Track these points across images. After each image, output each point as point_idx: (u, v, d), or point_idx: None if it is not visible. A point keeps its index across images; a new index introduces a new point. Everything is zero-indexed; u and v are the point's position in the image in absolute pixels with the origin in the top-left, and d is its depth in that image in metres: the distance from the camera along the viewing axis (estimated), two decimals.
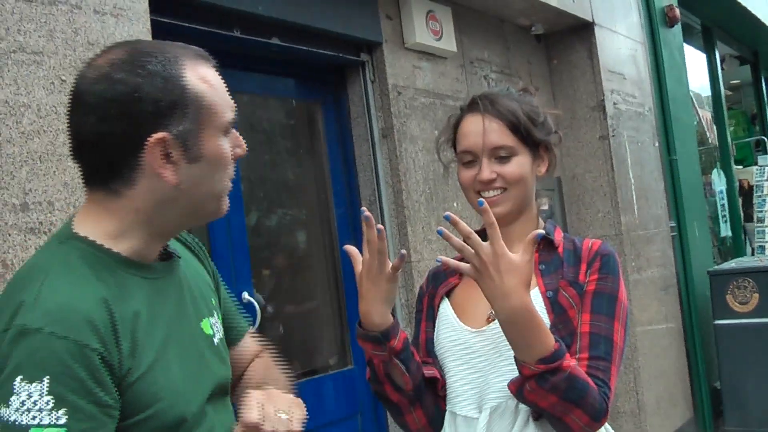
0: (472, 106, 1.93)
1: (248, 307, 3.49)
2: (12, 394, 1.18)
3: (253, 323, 3.43)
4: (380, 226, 1.72)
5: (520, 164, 1.87)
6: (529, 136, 1.88)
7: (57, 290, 1.25)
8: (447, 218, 1.63)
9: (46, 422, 1.17)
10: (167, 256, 1.48)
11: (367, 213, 1.72)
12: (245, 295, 3.50)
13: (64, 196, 2.42)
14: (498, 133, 1.86)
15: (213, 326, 1.51)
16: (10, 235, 2.27)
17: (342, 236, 4.10)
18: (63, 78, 2.48)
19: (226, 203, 1.43)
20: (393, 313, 1.83)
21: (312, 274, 4.19)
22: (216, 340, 1.51)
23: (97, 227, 1.34)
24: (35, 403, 1.17)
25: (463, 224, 1.62)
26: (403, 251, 1.72)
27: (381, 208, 4.06)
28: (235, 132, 1.43)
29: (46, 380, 1.18)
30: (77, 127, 1.33)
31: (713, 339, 6.20)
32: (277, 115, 4.15)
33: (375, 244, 1.72)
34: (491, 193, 1.86)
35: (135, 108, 1.28)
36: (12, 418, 1.17)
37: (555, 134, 1.97)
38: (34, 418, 1.17)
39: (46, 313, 1.21)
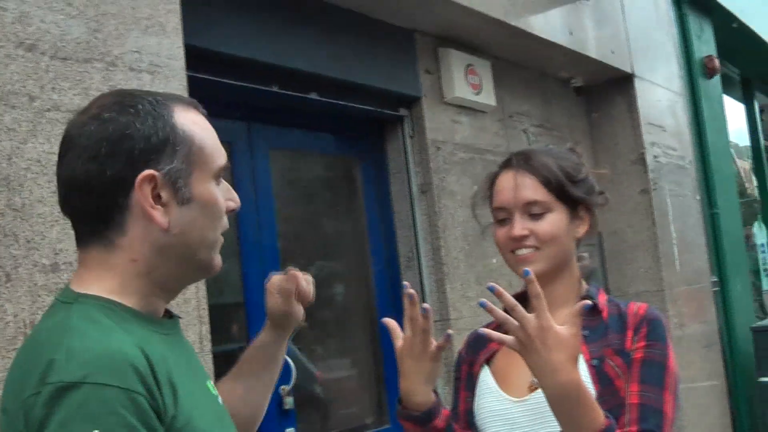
0: (507, 162, 1.87)
1: (284, 363, 3.43)
2: None
3: (288, 380, 3.40)
4: (426, 305, 1.67)
5: (554, 222, 1.79)
6: (564, 192, 1.80)
7: (89, 340, 1.14)
8: (491, 289, 1.53)
9: None
10: (169, 315, 1.42)
11: (411, 290, 1.67)
12: None
13: None
14: (530, 189, 1.79)
15: (214, 387, 1.45)
16: (39, 296, 2.22)
17: (380, 293, 4.05)
18: None
19: (218, 258, 1.37)
20: (435, 390, 1.77)
21: (349, 331, 4.13)
22: (220, 400, 1.44)
23: (98, 285, 1.25)
24: None
25: (507, 296, 1.54)
26: (450, 331, 1.66)
27: (419, 265, 4.01)
28: (227, 184, 1.38)
29: None
30: (68, 171, 1.26)
31: (757, 397, 6.05)
32: (315, 171, 4.13)
33: (419, 322, 1.67)
34: (524, 251, 1.78)
35: (126, 145, 1.24)
36: None
37: (600, 195, 1.88)
38: None
39: (84, 364, 1.10)
